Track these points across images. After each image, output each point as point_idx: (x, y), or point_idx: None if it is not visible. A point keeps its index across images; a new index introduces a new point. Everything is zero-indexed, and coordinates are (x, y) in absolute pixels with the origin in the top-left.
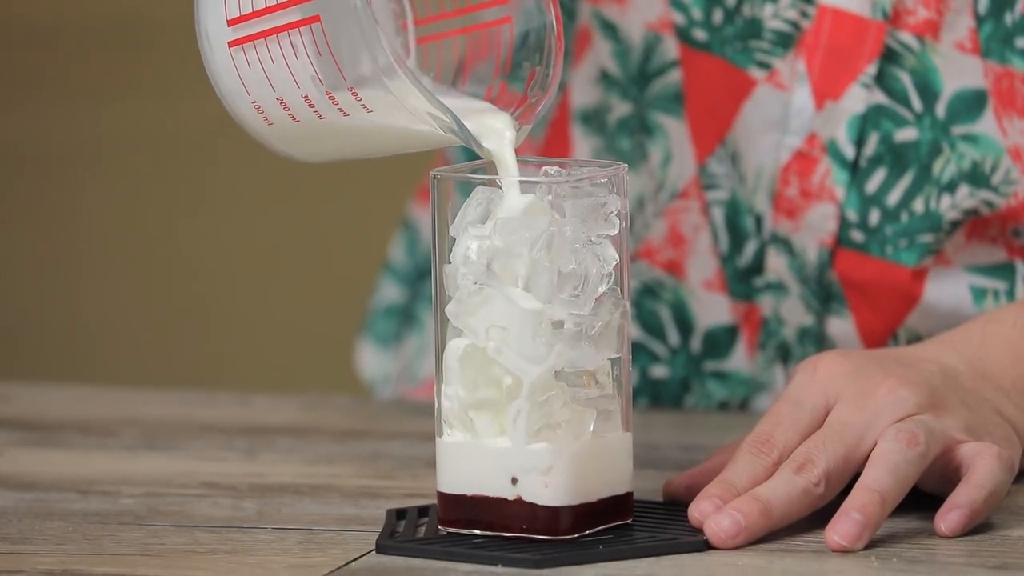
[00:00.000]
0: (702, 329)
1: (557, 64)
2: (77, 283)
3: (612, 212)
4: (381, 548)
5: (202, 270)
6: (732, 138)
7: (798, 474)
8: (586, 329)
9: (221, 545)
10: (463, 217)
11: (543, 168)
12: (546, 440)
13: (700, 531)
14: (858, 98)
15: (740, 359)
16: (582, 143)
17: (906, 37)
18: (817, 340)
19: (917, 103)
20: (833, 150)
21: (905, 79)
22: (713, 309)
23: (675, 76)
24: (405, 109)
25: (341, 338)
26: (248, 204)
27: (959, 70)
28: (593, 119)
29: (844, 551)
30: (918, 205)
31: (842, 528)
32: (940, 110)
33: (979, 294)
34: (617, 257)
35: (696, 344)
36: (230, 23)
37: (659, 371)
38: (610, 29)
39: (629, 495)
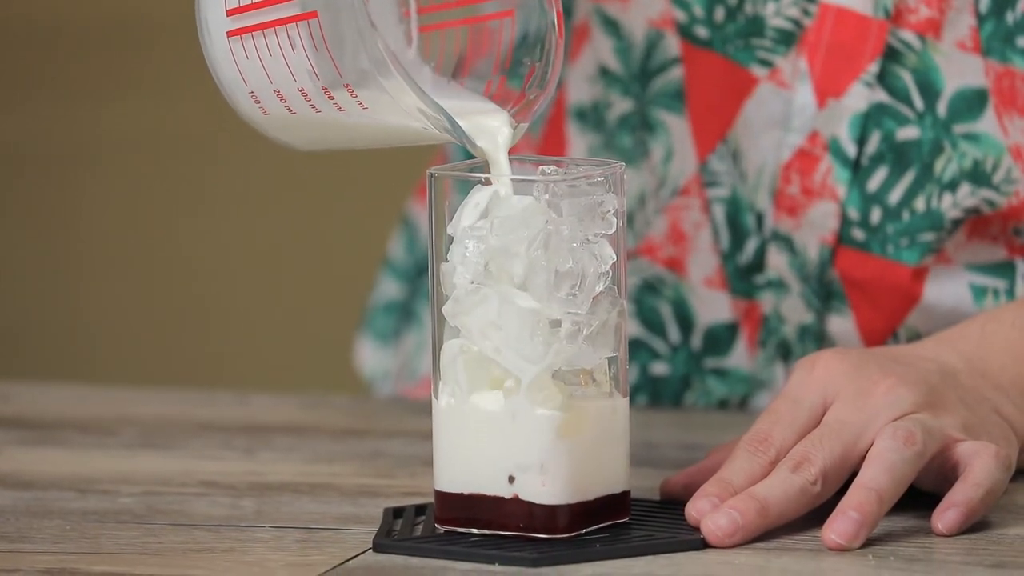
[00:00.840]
0: (703, 326)
1: (556, 62)
2: (76, 282)
3: (609, 211)
4: (378, 547)
5: (201, 269)
6: (733, 136)
7: (795, 473)
8: (583, 328)
9: (219, 544)
10: (460, 216)
11: (540, 167)
12: (543, 439)
13: (697, 530)
14: (860, 96)
15: (740, 356)
16: (578, 140)
17: (908, 35)
18: (817, 338)
19: (919, 102)
20: (835, 148)
21: (907, 77)
22: (714, 306)
23: (677, 73)
24: (399, 107)
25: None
26: (247, 204)
27: (960, 69)
28: (589, 116)
29: (841, 549)
30: (919, 204)
31: (839, 526)
32: (941, 109)
33: (979, 293)
34: (614, 256)
35: (696, 341)
36: (229, 13)
37: (659, 368)
38: (612, 26)
39: (626, 494)
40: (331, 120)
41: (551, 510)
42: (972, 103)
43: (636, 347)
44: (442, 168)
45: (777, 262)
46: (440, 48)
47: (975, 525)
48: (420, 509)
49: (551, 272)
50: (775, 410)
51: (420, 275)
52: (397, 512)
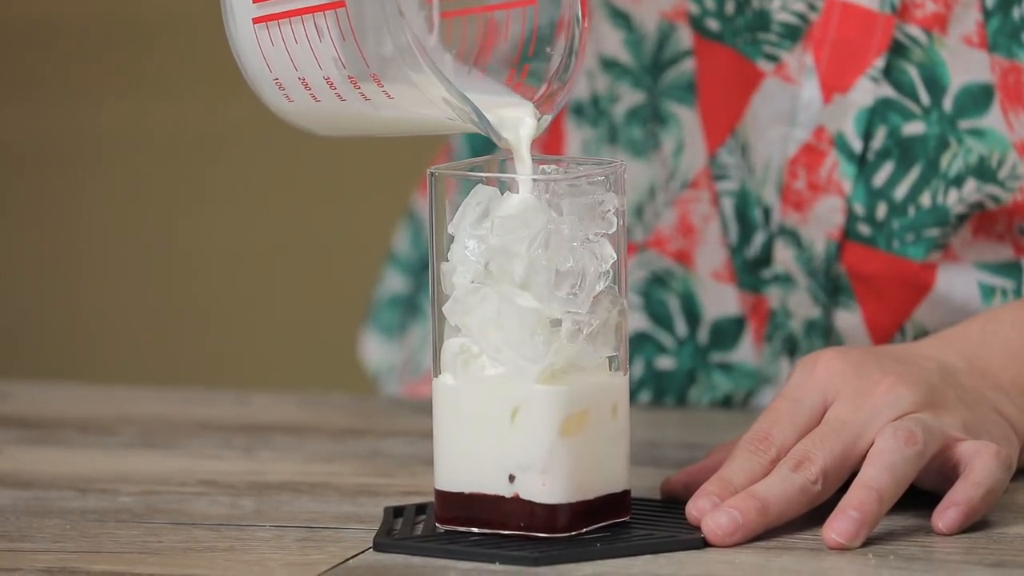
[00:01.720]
0: (709, 320)
1: (581, 53)
2: (76, 281)
3: (609, 210)
4: (378, 546)
5: (201, 268)
6: (742, 129)
7: (796, 472)
8: (584, 327)
9: (219, 543)
10: (462, 216)
11: (540, 166)
12: (544, 438)
13: (698, 529)
14: (866, 91)
15: (747, 351)
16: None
17: (914, 30)
18: (824, 333)
19: (925, 97)
20: (841, 143)
21: (913, 73)
22: (721, 300)
23: (688, 65)
24: (425, 97)
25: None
26: (247, 203)
27: (966, 64)
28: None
29: (841, 548)
30: (925, 199)
31: (839, 526)
32: (947, 104)
33: (988, 292)
34: (615, 255)
35: (703, 335)
36: (255, 0)
37: (665, 362)
38: (622, 18)
39: (627, 493)
40: (355, 109)
41: (551, 509)
42: (978, 98)
43: (642, 341)
44: (442, 167)
45: (784, 256)
46: (462, 35)
47: (975, 524)
48: (420, 508)
49: (551, 271)
50: (775, 409)
51: (425, 269)
52: (397, 511)
